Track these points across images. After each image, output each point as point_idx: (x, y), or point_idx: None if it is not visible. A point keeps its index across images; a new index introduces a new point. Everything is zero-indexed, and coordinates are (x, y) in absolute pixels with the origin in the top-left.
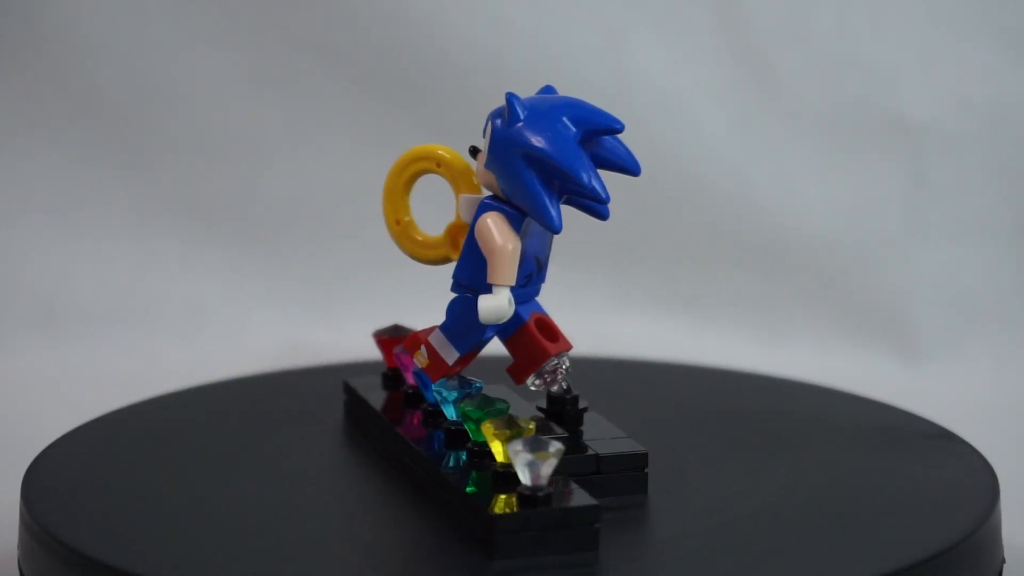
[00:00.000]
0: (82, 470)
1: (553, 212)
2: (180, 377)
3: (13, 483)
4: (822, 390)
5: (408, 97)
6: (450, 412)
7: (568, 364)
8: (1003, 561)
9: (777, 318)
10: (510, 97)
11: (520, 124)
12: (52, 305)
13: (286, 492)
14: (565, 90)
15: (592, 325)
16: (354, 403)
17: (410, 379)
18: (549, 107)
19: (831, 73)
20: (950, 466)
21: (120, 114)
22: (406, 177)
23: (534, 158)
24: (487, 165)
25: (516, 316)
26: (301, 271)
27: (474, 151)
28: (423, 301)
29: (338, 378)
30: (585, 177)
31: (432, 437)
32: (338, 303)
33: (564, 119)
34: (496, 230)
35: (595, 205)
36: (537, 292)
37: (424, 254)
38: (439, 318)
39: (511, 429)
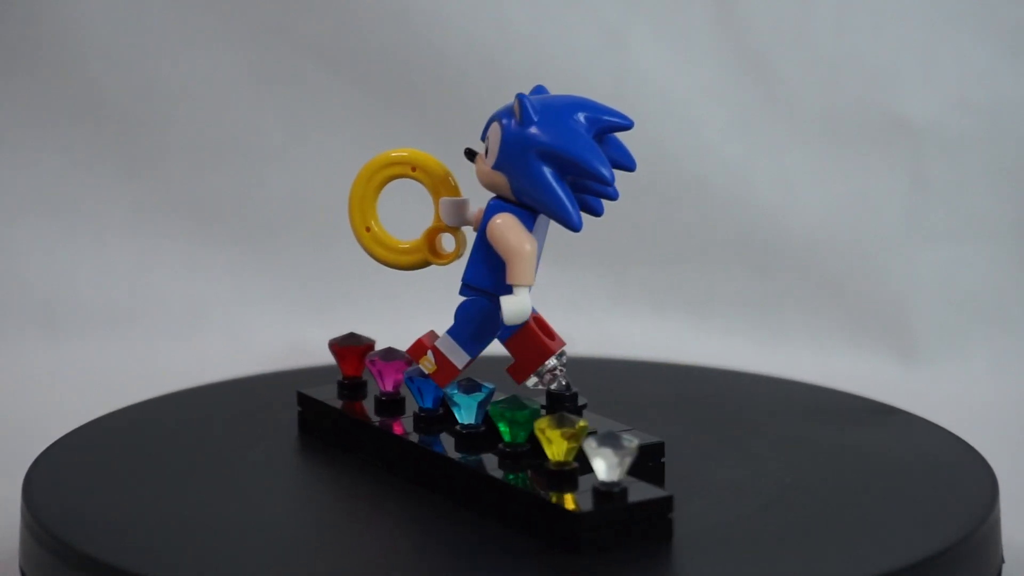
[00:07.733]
0: (82, 470)
1: (572, 211)
2: (180, 377)
3: (13, 483)
4: (821, 390)
5: (408, 97)
6: (466, 416)
7: (565, 360)
8: (1002, 561)
9: (777, 318)
10: (522, 98)
11: (535, 124)
12: (52, 305)
13: (287, 492)
14: (564, 90)
15: (592, 325)
16: (316, 412)
17: (386, 386)
18: (562, 106)
19: (831, 73)
20: (949, 466)
21: (121, 114)
22: (377, 182)
23: (553, 156)
24: (496, 166)
25: None
26: (302, 271)
27: (471, 154)
28: (423, 302)
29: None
30: (607, 174)
31: (434, 441)
32: (338, 303)
33: (578, 116)
34: (512, 231)
35: (592, 201)
36: None
37: (400, 260)
38: (438, 318)
39: (566, 427)
